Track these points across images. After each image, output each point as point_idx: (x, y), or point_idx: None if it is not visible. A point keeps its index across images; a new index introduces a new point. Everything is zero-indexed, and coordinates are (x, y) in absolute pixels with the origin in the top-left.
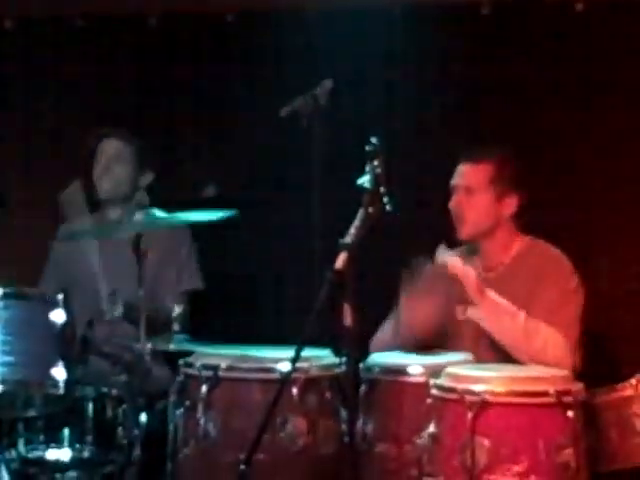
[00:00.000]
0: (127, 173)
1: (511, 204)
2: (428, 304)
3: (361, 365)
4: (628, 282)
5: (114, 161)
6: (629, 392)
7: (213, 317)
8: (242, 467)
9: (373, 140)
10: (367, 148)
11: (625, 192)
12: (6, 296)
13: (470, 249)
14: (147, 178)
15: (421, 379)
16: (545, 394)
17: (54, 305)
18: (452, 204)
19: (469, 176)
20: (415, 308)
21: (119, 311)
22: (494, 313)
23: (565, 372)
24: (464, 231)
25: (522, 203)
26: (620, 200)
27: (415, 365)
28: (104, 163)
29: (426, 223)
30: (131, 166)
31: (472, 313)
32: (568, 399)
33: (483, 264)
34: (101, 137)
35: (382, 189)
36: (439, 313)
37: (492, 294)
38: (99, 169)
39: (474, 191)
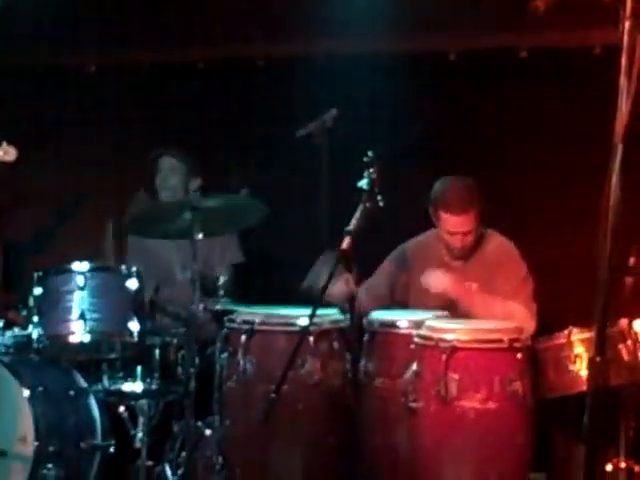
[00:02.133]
0: (180, 182)
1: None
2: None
3: (364, 320)
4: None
5: (170, 174)
6: (563, 340)
7: (251, 284)
8: (272, 395)
9: (369, 153)
10: (365, 159)
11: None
12: (95, 269)
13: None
14: (195, 184)
15: (407, 330)
16: (500, 341)
17: (130, 276)
18: (459, 244)
19: (464, 224)
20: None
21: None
22: (481, 304)
23: (515, 324)
24: (463, 254)
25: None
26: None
27: (403, 320)
28: (162, 175)
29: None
30: (182, 176)
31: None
32: (518, 345)
33: (451, 254)
34: (159, 155)
35: (376, 189)
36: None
37: (475, 288)
38: (158, 180)
39: (470, 232)
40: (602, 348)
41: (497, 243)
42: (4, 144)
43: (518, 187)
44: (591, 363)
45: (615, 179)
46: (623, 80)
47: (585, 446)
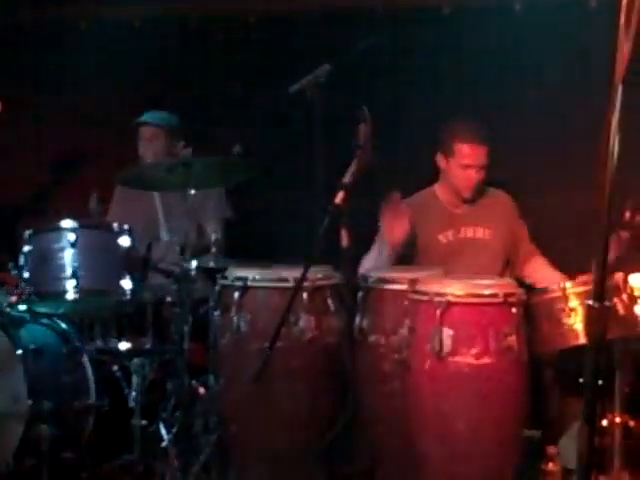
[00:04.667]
0: (161, 148)
1: None
2: (399, 225)
3: (358, 276)
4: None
5: (150, 142)
6: (557, 294)
7: (242, 241)
8: (266, 352)
9: (363, 108)
10: (358, 114)
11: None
12: (85, 227)
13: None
14: (181, 148)
15: (401, 286)
16: (495, 295)
17: (121, 233)
18: (473, 180)
19: (483, 156)
20: (391, 228)
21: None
22: None
23: (510, 280)
24: (472, 195)
25: None
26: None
27: (397, 276)
28: (142, 144)
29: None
30: (164, 143)
31: None
32: (512, 299)
33: (451, 201)
34: (138, 124)
35: (369, 144)
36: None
37: None
38: (140, 149)
39: (485, 166)
40: (602, 295)
41: (495, 192)
42: None
43: (518, 134)
44: (590, 310)
45: (615, 121)
46: (622, 19)
47: (584, 399)
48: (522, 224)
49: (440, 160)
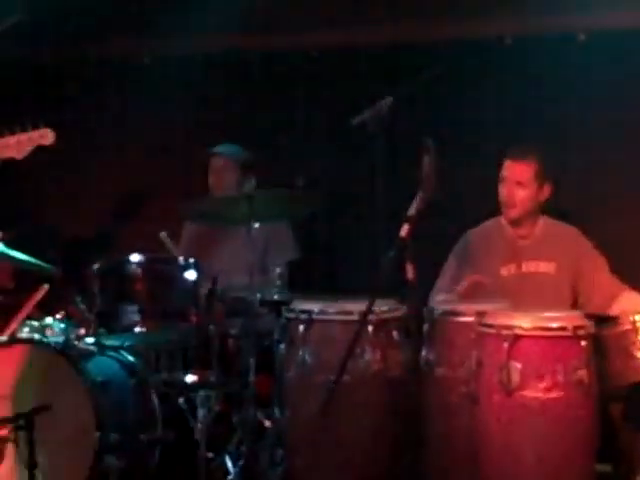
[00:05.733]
0: (234, 181)
1: (547, 192)
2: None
3: (424, 309)
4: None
5: (222, 173)
6: (627, 327)
7: (306, 274)
8: (332, 385)
9: (427, 139)
10: (422, 145)
11: None
12: (151, 260)
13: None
14: (250, 183)
15: (468, 319)
16: (564, 329)
17: (188, 267)
18: (504, 193)
19: (519, 171)
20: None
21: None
22: None
23: (579, 312)
24: (513, 214)
25: (552, 190)
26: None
27: (464, 309)
28: (214, 175)
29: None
30: (236, 175)
31: None
32: (581, 332)
33: (517, 234)
34: (210, 154)
35: (433, 177)
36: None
37: None
38: (211, 180)
39: (523, 184)
40: None
41: (562, 226)
42: (42, 128)
43: (581, 165)
44: None
45: None
46: None
47: None
48: (593, 258)
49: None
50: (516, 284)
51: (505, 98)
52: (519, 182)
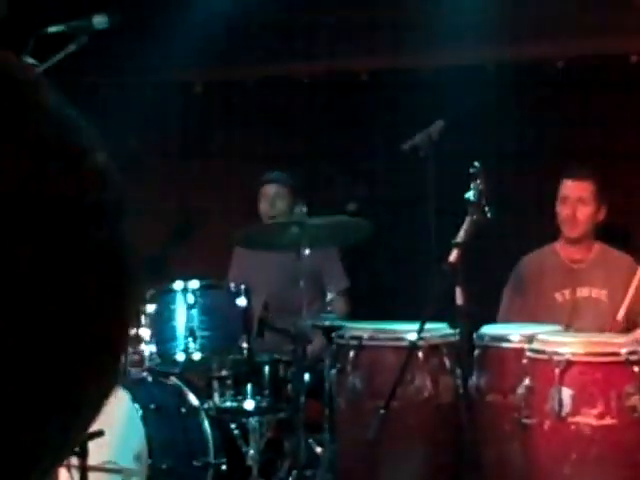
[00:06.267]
0: (286, 207)
1: (603, 212)
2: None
3: (474, 335)
4: None
5: (275, 200)
6: None
7: (357, 300)
8: (382, 411)
9: (476, 164)
10: (471, 170)
11: None
12: (205, 287)
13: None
14: (301, 209)
15: (519, 345)
16: (617, 354)
17: (239, 294)
18: (566, 212)
19: (581, 189)
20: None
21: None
22: None
23: (632, 337)
24: (576, 231)
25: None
26: None
27: (514, 334)
28: (267, 203)
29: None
30: (288, 202)
31: None
32: (634, 357)
33: (572, 258)
34: (263, 182)
35: (483, 201)
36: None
37: None
38: (263, 207)
39: (585, 201)
40: None
41: (618, 254)
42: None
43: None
44: None
45: None
46: None
47: None
48: None
49: (556, 207)
50: (571, 309)
51: (549, 122)
52: (581, 199)
